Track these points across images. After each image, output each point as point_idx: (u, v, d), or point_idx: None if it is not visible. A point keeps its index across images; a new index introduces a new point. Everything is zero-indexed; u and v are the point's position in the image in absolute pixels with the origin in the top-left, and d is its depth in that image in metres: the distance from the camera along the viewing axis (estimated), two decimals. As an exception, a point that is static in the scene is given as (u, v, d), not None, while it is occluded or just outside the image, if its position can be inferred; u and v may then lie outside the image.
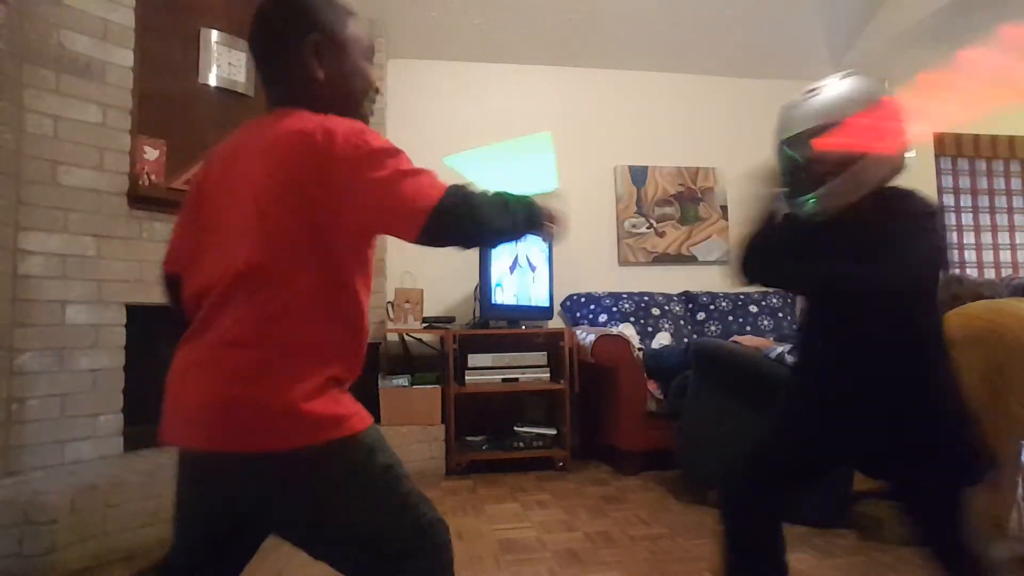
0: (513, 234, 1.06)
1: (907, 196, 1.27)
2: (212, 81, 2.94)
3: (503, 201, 1.01)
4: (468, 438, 3.54)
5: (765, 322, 4.08)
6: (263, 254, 0.92)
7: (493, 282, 3.48)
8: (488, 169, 1.24)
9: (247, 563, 1.10)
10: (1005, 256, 5.01)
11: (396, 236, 0.95)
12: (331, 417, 0.93)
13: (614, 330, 3.51)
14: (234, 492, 0.96)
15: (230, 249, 0.94)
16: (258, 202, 0.93)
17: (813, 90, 1.29)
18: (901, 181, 1.29)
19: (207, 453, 0.94)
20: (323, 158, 0.91)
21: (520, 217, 1.03)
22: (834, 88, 1.28)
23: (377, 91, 1.16)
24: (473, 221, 0.96)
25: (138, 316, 2.62)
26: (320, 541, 0.98)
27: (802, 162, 1.28)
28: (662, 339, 3.80)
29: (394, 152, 0.96)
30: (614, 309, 3.92)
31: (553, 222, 1.11)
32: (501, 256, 3.57)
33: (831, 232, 1.28)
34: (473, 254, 3.51)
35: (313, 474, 0.92)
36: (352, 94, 1.10)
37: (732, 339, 3.03)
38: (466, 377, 3.44)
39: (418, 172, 0.96)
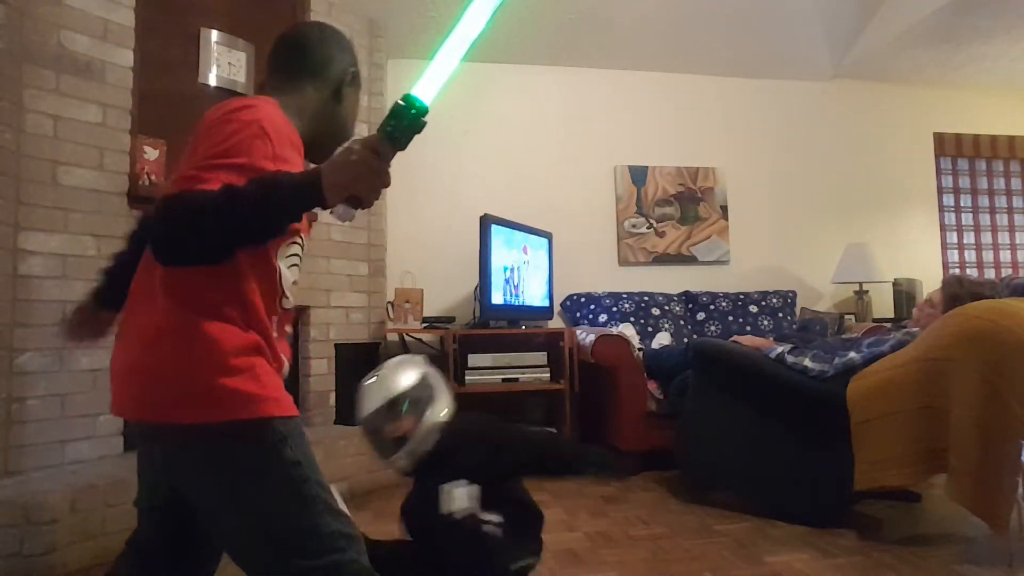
0: (254, 234, 0.88)
1: None
2: (212, 81, 2.93)
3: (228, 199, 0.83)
4: (468, 438, 3.53)
5: (765, 322, 4.08)
6: None
7: (492, 282, 3.48)
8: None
9: (212, 557, 1.07)
10: (1005, 256, 5.01)
11: None
12: (242, 395, 0.89)
13: (614, 330, 3.51)
14: (154, 462, 0.99)
15: None
16: None
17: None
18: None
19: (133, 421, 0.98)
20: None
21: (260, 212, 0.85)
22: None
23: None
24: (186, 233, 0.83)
25: (138, 316, 2.62)
26: (218, 530, 0.95)
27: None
28: (662, 339, 3.80)
29: (245, 137, 0.90)
30: (614, 309, 3.92)
31: (342, 182, 0.86)
32: (501, 255, 3.57)
33: None
34: (473, 254, 3.51)
35: (209, 453, 0.89)
36: (344, 131, 1.17)
37: (732, 339, 3.02)
38: (466, 377, 3.44)
39: (222, 167, 0.86)
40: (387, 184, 0.88)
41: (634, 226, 4.35)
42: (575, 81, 4.38)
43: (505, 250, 3.59)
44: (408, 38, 3.96)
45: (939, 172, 4.93)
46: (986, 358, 1.94)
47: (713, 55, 4.40)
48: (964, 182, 5.03)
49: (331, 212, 0.94)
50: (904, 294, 4.38)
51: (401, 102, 0.88)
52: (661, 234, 4.37)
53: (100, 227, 2.52)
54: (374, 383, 1.60)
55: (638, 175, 4.38)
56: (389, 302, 3.56)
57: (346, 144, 0.89)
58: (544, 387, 3.52)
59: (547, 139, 4.25)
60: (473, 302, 3.81)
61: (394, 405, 1.54)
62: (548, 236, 3.98)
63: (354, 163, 0.85)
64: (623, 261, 4.32)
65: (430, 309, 3.80)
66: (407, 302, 3.51)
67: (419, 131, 0.90)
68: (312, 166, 0.93)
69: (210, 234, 0.82)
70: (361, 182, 0.86)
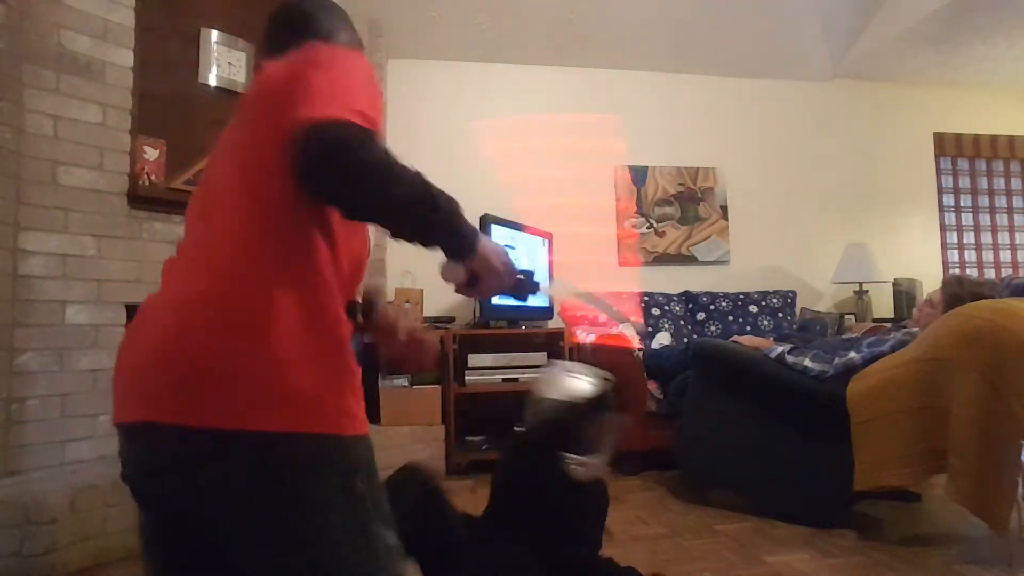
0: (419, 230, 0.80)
1: None
2: (212, 81, 2.93)
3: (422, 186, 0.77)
4: (468, 438, 3.53)
5: (765, 322, 4.08)
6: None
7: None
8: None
9: None
10: (1005, 256, 5.01)
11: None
12: (330, 405, 0.76)
13: (614, 330, 3.51)
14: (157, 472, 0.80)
15: None
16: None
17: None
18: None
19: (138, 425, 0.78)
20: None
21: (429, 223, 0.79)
22: None
23: None
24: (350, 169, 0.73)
25: (138, 316, 2.62)
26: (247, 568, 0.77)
27: None
28: (662, 339, 3.80)
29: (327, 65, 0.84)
30: (614, 309, 3.92)
31: (484, 265, 0.85)
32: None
33: None
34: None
35: (253, 472, 0.73)
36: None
37: (732, 339, 3.02)
38: (466, 377, 3.44)
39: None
40: (492, 294, 0.89)
41: (634, 226, 4.35)
42: (575, 81, 4.38)
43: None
44: (408, 38, 3.96)
45: (939, 172, 4.93)
46: (986, 358, 1.94)
47: (713, 55, 4.40)
48: (964, 182, 5.03)
49: (447, 260, 0.86)
50: (904, 294, 4.38)
51: (530, 284, 0.94)
52: (661, 234, 4.37)
53: (100, 227, 2.52)
54: (591, 379, 1.71)
55: (638, 175, 4.38)
56: (389, 302, 3.55)
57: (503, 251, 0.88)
58: (544, 387, 3.51)
59: (547, 139, 4.25)
60: (473, 302, 3.81)
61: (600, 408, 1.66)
62: (548, 236, 3.98)
63: (506, 264, 0.86)
64: (623, 261, 4.32)
65: (430, 309, 3.79)
66: (407, 302, 3.51)
67: (521, 298, 0.96)
68: None
69: (369, 193, 0.74)
70: (496, 276, 0.85)
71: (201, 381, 0.74)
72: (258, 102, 0.88)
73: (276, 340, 0.75)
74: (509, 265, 0.87)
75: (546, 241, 3.96)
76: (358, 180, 0.73)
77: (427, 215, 0.77)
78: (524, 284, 0.92)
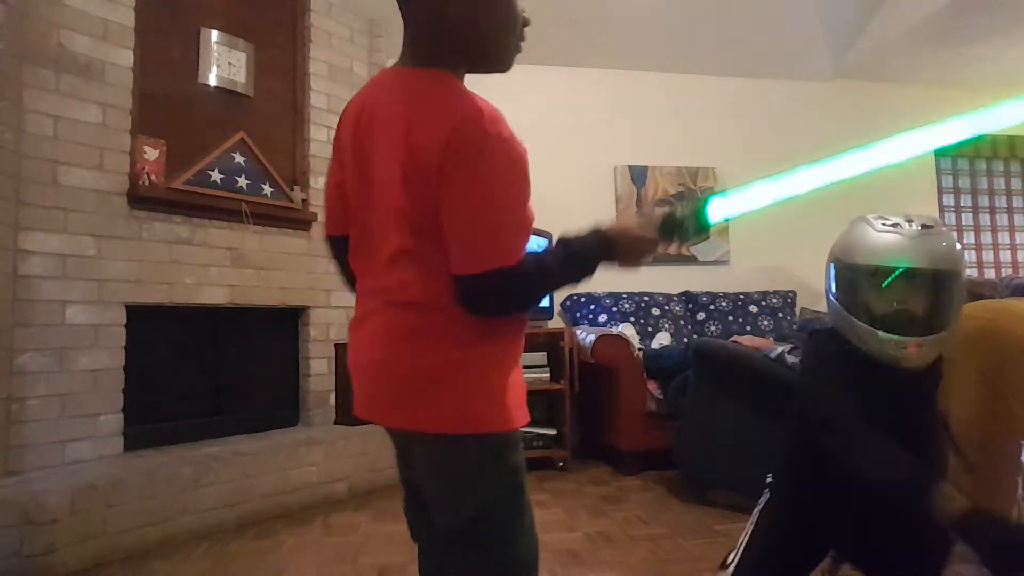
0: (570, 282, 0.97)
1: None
2: (212, 81, 2.93)
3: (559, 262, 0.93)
4: (468, 438, 3.53)
5: (765, 322, 4.08)
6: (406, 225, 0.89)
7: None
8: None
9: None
10: (1005, 256, 5.01)
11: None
12: (494, 407, 0.87)
13: (614, 330, 3.51)
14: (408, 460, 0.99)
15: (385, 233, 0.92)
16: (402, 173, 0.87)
17: (932, 227, 1.22)
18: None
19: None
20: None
21: (576, 271, 0.95)
22: (947, 233, 1.25)
23: (526, 23, 1.03)
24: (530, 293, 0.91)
25: (138, 316, 2.62)
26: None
27: (927, 299, 1.22)
28: (662, 339, 3.80)
29: (510, 170, 0.87)
30: (614, 309, 3.92)
31: (624, 254, 0.97)
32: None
33: (909, 385, 1.26)
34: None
35: (442, 456, 0.88)
36: (491, 31, 0.96)
37: (732, 339, 3.02)
38: (466, 377, 3.43)
39: (519, 218, 0.88)
40: (648, 256, 1.00)
41: (634, 226, 4.35)
42: (575, 81, 4.38)
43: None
44: (408, 38, 3.96)
45: (939, 172, 4.93)
46: (986, 358, 1.94)
47: (713, 55, 4.40)
48: (964, 182, 5.03)
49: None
50: (904, 294, 4.38)
51: (701, 209, 0.99)
52: (661, 234, 4.37)
53: (100, 227, 2.53)
54: None
55: (638, 175, 4.38)
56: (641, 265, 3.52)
57: (639, 223, 0.98)
58: (544, 387, 3.52)
59: (547, 139, 4.25)
60: (473, 302, 3.80)
61: None
62: (548, 236, 3.98)
63: (639, 250, 0.97)
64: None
65: (430, 309, 3.79)
66: (407, 302, 3.51)
67: (690, 241, 0.99)
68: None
69: (536, 299, 0.93)
70: (635, 259, 0.98)
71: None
72: (412, 175, 0.86)
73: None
74: (641, 235, 0.97)
75: (546, 241, 3.96)
76: (523, 307, 0.91)
77: (577, 278, 0.94)
78: (668, 229, 0.98)
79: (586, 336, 3.47)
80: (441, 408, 0.85)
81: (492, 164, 0.84)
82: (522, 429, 0.92)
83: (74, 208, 2.45)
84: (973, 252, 4.98)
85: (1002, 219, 5.05)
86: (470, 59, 0.95)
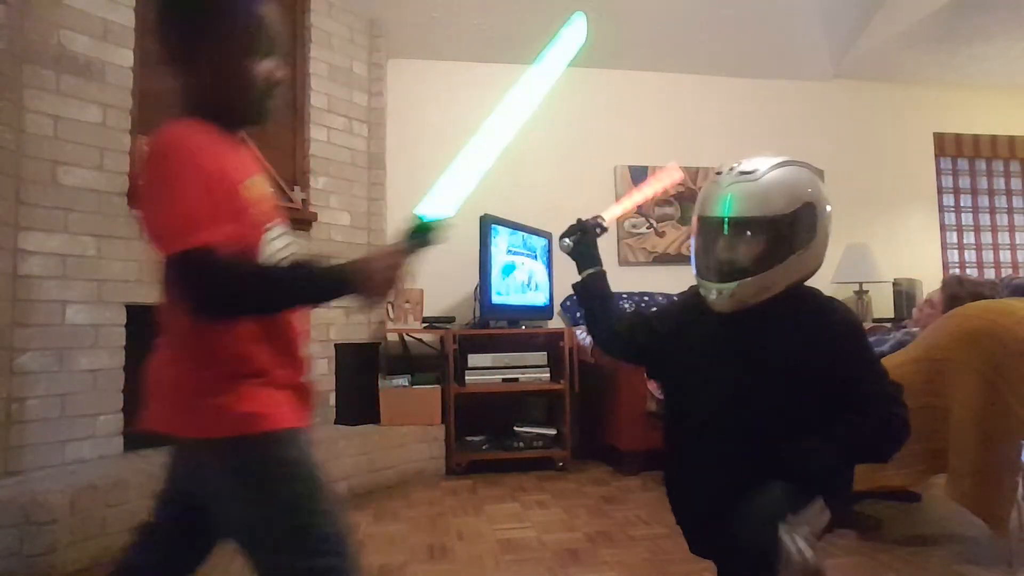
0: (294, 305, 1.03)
1: (831, 304, 1.25)
2: (212, 81, 2.93)
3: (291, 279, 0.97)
4: (468, 438, 3.53)
5: (765, 322, 4.07)
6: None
7: (493, 283, 3.47)
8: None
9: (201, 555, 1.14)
10: (1005, 256, 5.01)
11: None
12: (242, 414, 0.95)
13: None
14: (181, 471, 1.07)
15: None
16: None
17: (750, 172, 1.21)
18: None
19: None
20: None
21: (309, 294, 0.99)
22: (776, 177, 1.21)
23: (277, 82, 1.06)
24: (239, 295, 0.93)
25: (138, 316, 2.62)
26: (235, 536, 1.00)
27: (724, 247, 1.23)
28: (662, 339, 3.79)
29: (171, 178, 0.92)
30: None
31: (369, 289, 0.98)
32: (501, 255, 3.57)
33: (733, 326, 1.24)
34: (473, 254, 3.52)
35: (221, 465, 0.97)
36: (235, 92, 1.03)
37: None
38: (466, 377, 3.44)
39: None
40: (389, 288, 1.01)
41: (634, 226, 4.35)
42: (575, 81, 4.37)
43: (505, 250, 3.59)
44: (408, 38, 3.96)
45: (939, 172, 4.93)
46: (986, 358, 1.94)
47: (713, 55, 4.40)
48: (964, 182, 5.03)
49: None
50: (904, 294, 4.38)
51: (419, 223, 1.04)
52: (661, 234, 4.37)
53: (100, 227, 2.52)
54: None
55: (638, 175, 4.38)
56: (389, 302, 3.56)
57: (381, 254, 1.00)
58: (544, 387, 3.52)
59: (547, 139, 4.25)
60: (473, 302, 3.81)
61: None
62: (548, 236, 3.98)
63: (384, 281, 0.98)
64: (623, 261, 4.32)
65: (430, 309, 3.79)
66: (407, 302, 3.51)
67: (439, 239, 1.05)
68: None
69: (262, 309, 0.97)
70: (378, 288, 0.98)
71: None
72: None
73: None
74: (381, 264, 0.98)
75: (546, 241, 3.96)
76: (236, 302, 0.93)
77: (310, 294, 0.99)
78: (413, 247, 1.02)
79: (586, 336, 3.46)
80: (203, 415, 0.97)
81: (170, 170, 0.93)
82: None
83: (74, 208, 2.45)
84: (973, 252, 4.98)
85: (1002, 219, 5.05)
86: (220, 118, 1.02)
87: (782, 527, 1.03)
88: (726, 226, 1.22)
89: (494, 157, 1.17)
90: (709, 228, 1.27)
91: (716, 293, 1.23)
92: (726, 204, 1.21)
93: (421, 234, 1.03)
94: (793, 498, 1.10)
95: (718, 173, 1.26)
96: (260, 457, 0.97)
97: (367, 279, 0.96)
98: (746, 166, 1.22)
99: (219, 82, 1.01)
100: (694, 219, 1.32)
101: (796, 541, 1.02)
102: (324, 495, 1.00)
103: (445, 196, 1.10)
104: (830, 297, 1.28)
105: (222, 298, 0.90)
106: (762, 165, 1.22)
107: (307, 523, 0.96)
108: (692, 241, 1.33)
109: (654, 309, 1.42)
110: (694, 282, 1.32)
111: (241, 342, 0.97)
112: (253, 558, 0.98)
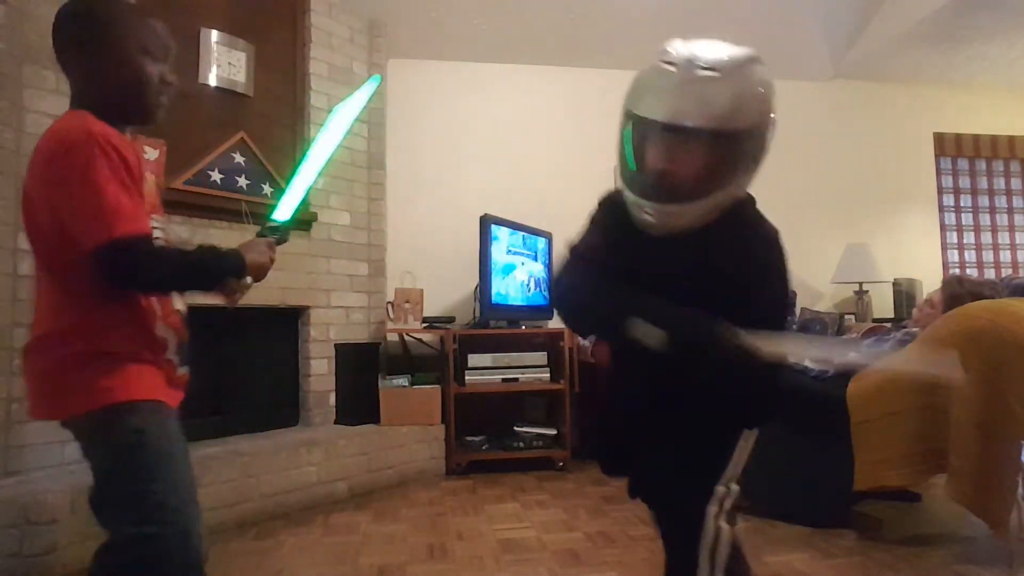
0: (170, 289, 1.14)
1: (758, 220, 1.10)
2: (212, 81, 2.93)
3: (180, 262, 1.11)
4: (468, 438, 3.53)
5: (765, 322, 4.07)
6: (38, 257, 1.13)
7: (493, 283, 3.47)
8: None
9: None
10: (1005, 256, 5.02)
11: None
12: (95, 388, 1.05)
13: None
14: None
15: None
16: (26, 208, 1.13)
17: (712, 69, 0.96)
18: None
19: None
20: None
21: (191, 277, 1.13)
22: (747, 80, 1.00)
23: (167, 83, 1.23)
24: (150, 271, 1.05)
25: (138, 316, 2.62)
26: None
27: (668, 158, 1.01)
28: (662, 339, 3.79)
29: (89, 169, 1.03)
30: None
31: (237, 283, 1.17)
32: (501, 255, 3.57)
33: (668, 247, 1.06)
34: (473, 254, 3.52)
35: (89, 438, 1.13)
36: (122, 90, 1.14)
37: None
38: (466, 377, 3.44)
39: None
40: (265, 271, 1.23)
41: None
42: (575, 81, 4.37)
43: (505, 250, 3.59)
44: (408, 38, 3.96)
45: (939, 172, 4.93)
46: (986, 358, 1.94)
47: (713, 55, 4.40)
48: (964, 182, 5.03)
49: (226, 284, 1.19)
50: (904, 294, 4.38)
51: (272, 224, 1.30)
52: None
53: (100, 227, 2.52)
54: None
55: (638, 175, 4.38)
56: (389, 302, 3.56)
57: (257, 242, 1.22)
58: (544, 387, 3.52)
59: (547, 139, 4.25)
60: (473, 302, 3.81)
61: None
62: (548, 236, 3.98)
63: (264, 264, 1.20)
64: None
65: (430, 309, 3.79)
66: (407, 302, 3.51)
67: (287, 236, 1.31)
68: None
69: (168, 287, 1.12)
70: (261, 267, 1.20)
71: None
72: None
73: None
74: (267, 262, 1.21)
75: (546, 241, 3.96)
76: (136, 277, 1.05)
77: (201, 272, 1.13)
78: (276, 242, 1.28)
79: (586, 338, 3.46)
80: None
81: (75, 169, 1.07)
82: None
83: (74, 208, 2.45)
84: (973, 252, 4.98)
85: (1002, 219, 5.05)
86: (110, 115, 1.11)
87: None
88: (677, 134, 0.98)
89: (314, 178, 1.40)
90: (651, 133, 1.02)
91: (651, 214, 1.03)
92: (683, 107, 0.96)
93: (275, 233, 1.27)
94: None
95: (668, 63, 0.98)
96: (112, 423, 1.05)
97: (253, 262, 1.16)
98: (706, 56, 0.97)
99: (113, 78, 1.11)
100: (626, 114, 1.07)
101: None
102: (171, 468, 1.06)
103: (286, 206, 1.32)
104: (757, 210, 1.13)
105: (147, 278, 1.04)
106: (724, 56, 0.97)
107: (144, 490, 1.02)
108: (621, 143, 1.09)
109: (580, 245, 1.21)
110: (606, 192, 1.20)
111: (100, 324, 1.06)
112: (99, 517, 1.07)
